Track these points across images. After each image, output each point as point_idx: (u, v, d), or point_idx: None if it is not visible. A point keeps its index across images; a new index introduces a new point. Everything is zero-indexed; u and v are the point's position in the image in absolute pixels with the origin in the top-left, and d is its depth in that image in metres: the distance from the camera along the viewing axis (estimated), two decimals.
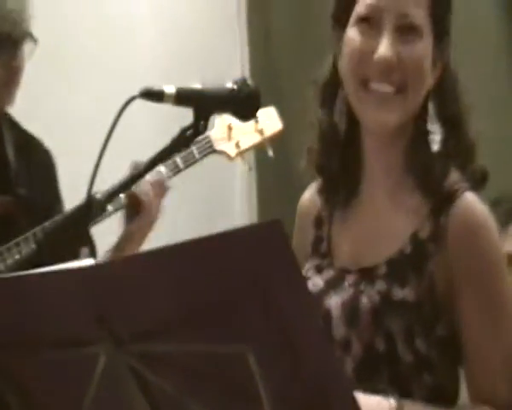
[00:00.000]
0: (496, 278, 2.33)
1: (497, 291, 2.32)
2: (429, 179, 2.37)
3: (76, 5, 4.76)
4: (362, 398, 2.09)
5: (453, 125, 2.40)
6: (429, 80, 2.36)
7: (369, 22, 2.34)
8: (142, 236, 3.31)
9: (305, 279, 2.15)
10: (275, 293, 1.81)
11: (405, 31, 2.32)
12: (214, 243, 1.82)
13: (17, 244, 3.28)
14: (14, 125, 3.63)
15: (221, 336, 1.83)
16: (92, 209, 2.23)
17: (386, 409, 2.17)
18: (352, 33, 2.35)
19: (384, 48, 2.29)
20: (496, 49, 4.41)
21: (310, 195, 2.62)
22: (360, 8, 2.33)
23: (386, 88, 2.33)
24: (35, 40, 3.47)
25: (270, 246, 1.77)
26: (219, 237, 1.79)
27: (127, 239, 3.30)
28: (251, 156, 5.09)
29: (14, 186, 3.45)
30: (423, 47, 2.33)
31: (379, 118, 2.37)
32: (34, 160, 3.62)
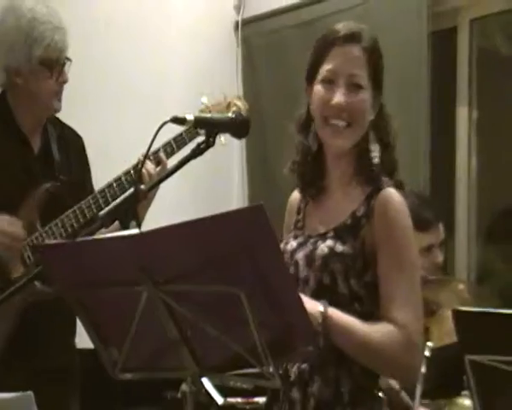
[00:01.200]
0: (403, 241, 2.43)
1: (403, 250, 2.42)
2: (369, 181, 2.48)
3: (130, 52, 4.70)
4: (304, 298, 2.19)
5: (385, 146, 2.51)
6: (368, 117, 2.48)
7: (329, 80, 2.46)
8: (148, 203, 3.32)
9: (278, 243, 2.17)
10: (258, 253, 1.92)
11: (352, 86, 2.44)
12: (219, 219, 1.92)
13: (67, 219, 3.29)
14: (56, 121, 3.60)
15: (222, 281, 1.92)
16: (139, 197, 2.28)
17: (317, 306, 2.27)
18: (319, 87, 2.48)
19: (337, 97, 2.43)
20: (417, 99, 4.41)
21: (295, 194, 2.71)
22: (323, 72, 2.46)
23: (340, 123, 2.45)
24: (70, 60, 3.46)
25: (255, 221, 1.89)
26: (222, 215, 1.90)
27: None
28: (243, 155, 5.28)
29: (58, 174, 3.43)
30: (364, 97, 2.45)
31: (335, 143, 2.50)
32: (71, 149, 3.59)
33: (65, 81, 3.48)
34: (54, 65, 3.43)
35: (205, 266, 1.95)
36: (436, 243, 3.89)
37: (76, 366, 3.45)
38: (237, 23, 5.38)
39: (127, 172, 3.29)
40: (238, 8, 5.37)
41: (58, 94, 3.47)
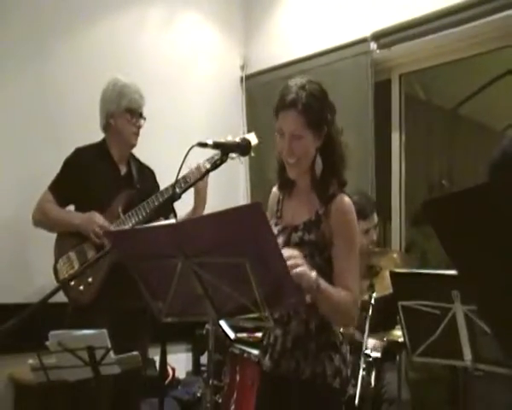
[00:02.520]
0: (350, 234, 2.38)
1: (350, 240, 2.37)
2: (319, 192, 2.42)
3: (172, 101, 4.70)
4: (303, 267, 2.20)
5: (329, 157, 2.43)
6: (312, 150, 2.42)
7: (281, 133, 2.40)
8: (202, 209, 3.38)
9: (271, 228, 2.15)
10: (257, 236, 1.90)
11: (294, 137, 2.37)
12: (229, 212, 1.91)
13: (138, 210, 3.40)
14: (134, 157, 3.71)
15: (234, 255, 1.90)
16: (175, 197, 2.31)
17: (313, 274, 2.21)
18: (277, 136, 2.42)
19: (285, 149, 2.40)
20: (365, 126, 4.39)
21: (275, 189, 2.64)
22: (277, 126, 2.40)
23: (291, 160, 2.40)
24: (145, 118, 3.63)
25: (255, 214, 1.88)
26: (232, 209, 1.89)
27: (195, 210, 3.38)
28: (247, 167, 5.23)
29: (135, 185, 3.55)
30: (304, 142, 2.37)
31: (289, 172, 2.47)
32: (144, 173, 3.70)
33: (140, 126, 3.61)
34: (134, 113, 3.56)
35: (221, 244, 1.93)
36: (372, 227, 3.86)
37: (146, 311, 3.38)
38: (242, 78, 5.34)
39: (172, 184, 3.27)
40: (242, 68, 5.34)
41: (135, 134, 3.60)
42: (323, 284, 2.26)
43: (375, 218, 3.94)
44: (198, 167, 3.24)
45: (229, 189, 5.06)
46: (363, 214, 3.76)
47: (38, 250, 3.67)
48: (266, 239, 1.94)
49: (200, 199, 3.39)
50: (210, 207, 2.05)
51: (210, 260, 1.95)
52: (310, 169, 2.46)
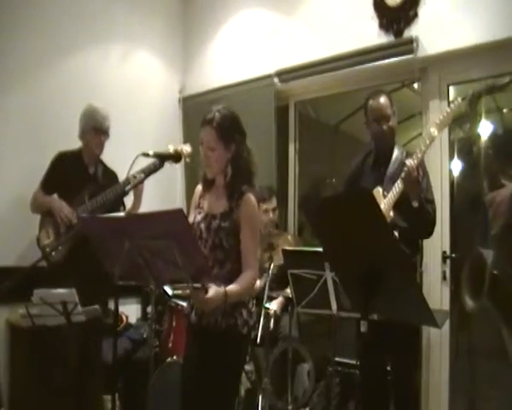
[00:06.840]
0: (254, 222, 2.38)
1: (253, 227, 2.38)
2: (228, 191, 2.44)
3: (124, 115, 4.41)
4: (213, 287, 2.16)
5: (235, 168, 2.44)
6: (223, 159, 2.41)
7: (201, 144, 2.41)
8: (138, 206, 3.36)
9: (190, 229, 2.21)
10: (178, 233, 1.95)
11: (209, 147, 2.38)
12: (160, 213, 1.98)
13: (98, 198, 3.43)
14: (101, 161, 3.70)
15: (163, 240, 1.95)
16: (125, 193, 2.39)
17: (221, 290, 2.19)
18: (200, 147, 2.43)
19: (203, 157, 2.41)
20: (269, 139, 4.46)
21: (199, 186, 2.60)
22: (200, 139, 2.40)
23: (205, 164, 2.42)
24: (108, 135, 3.65)
25: (177, 217, 1.95)
26: (162, 211, 1.97)
27: (133, 207, 3.35)
28: (183, 169, 5.14)
29: (98, 181, 3.58)
30: (216, 153, 2.38)
31: (208, 173, 2.46)
32: (107, 173, 3.71)
33: (101, 141, 3.63)
34: (97, 131, 3.59)
35: (155, 233, 1.97)
36: (270, 208, 3.94)
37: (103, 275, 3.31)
38: (180, 99, 5.27)
39: (123, 181, 3.29)
40: (180, 92, 5.26)
41: (99, 146, 3.65)
42: (230, 290, 2.22)
43: (274, 202, 4.03)
44: (136, 176, 3.19)
45: (169, 185, 4.98)
46: (262, 198, 3.86)
47: (30, 227, 3.66)
48: (186, 233, 1.97)
49: (137, 200, 3.37)
50: (156, 199, 2.06)
51: (148, 242, 1.99)
52: (223, 173, 2.45)
